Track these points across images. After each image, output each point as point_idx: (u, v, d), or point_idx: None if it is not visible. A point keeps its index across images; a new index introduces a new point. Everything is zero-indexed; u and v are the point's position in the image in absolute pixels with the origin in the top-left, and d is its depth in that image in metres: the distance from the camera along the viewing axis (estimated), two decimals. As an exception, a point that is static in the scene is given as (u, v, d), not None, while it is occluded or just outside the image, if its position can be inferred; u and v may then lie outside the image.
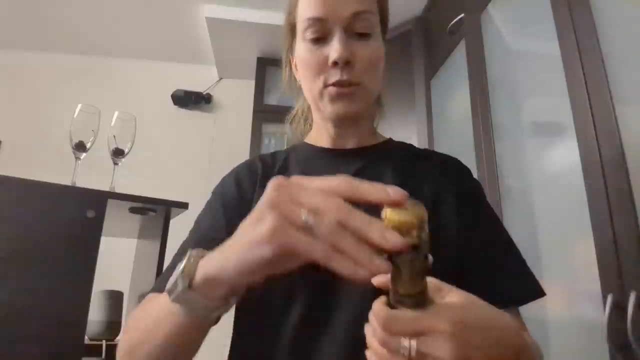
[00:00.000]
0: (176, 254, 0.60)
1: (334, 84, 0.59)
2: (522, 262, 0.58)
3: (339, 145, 0.67)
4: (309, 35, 0.60)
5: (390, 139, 0.72)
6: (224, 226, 0.59)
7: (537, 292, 0.56)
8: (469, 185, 0.63)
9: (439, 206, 0.58)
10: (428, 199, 0.58)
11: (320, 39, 0.60)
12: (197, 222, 0.64)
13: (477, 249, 0.57)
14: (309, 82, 0.62)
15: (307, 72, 0.62)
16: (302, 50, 0.62)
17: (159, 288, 0.52)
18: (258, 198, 0.54)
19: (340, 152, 0.67)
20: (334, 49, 0.58)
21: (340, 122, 0.65)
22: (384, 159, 0.64)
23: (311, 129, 0.73)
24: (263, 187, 0.54)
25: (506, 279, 0.56)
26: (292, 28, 0.66)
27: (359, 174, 0.63)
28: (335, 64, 0.58)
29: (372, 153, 0.66)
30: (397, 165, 0.63)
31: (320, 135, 0.69)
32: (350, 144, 0.67)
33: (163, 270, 0.62)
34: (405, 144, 0.72)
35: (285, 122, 0.78)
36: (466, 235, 0.57)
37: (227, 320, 0.52)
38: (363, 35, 0.60)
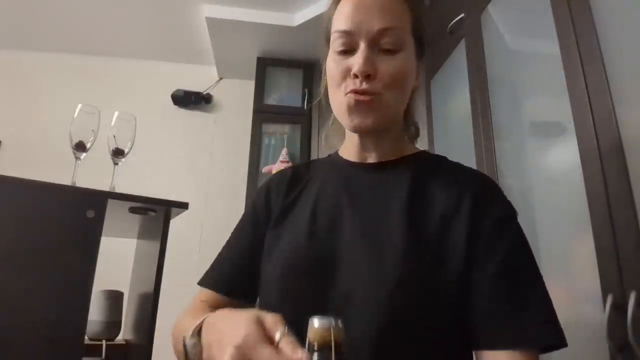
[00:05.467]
0: (219, 254, 0.72)
1: (353, 92, 0.61)
2: (540, 306, 0.53)
3: (362, 158, 0.70)
4: (337, 47, 0.63)
5: (422, 152, 0.72)
6: (251, 233, 0.70)
7: (552, 340, 0.51)
8: (489, 211, 0.58)
9: (447, 233, 0.57)
10: (436, 225, 0.58)
11: (348, 51, 0.62)
12: (234, 228, 0.73)
13: (486, 285, 0.54)
14: (333, 91, 0.65)
15: (331, 81, 0.65)
16: (331, 60, 0.65)
17: (205, 282, 0.69)
18: (281, 206, 0.68)
19: (360, 166, 0.69)
20: (356, 62, 0.60)
21: (360, 134, 0.66)
22: (402, 177, 0.64)
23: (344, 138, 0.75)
24: (287, 196, 0.71)
25: (512, 320, 0.52)
26: (327, 39, 0.69)
27: (372, 190, 0.65)
28: (356, 76, 0.60)
29: (392, 170, 0.66)
30: (413, 185, 0.63)
31: (347, 145, 0.72)
32: (372, 157, 0.69)
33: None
34: (439, 157, 0.71)
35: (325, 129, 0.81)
36: (477, 267, 0.54)
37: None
38: (389, 52, 0.61)
